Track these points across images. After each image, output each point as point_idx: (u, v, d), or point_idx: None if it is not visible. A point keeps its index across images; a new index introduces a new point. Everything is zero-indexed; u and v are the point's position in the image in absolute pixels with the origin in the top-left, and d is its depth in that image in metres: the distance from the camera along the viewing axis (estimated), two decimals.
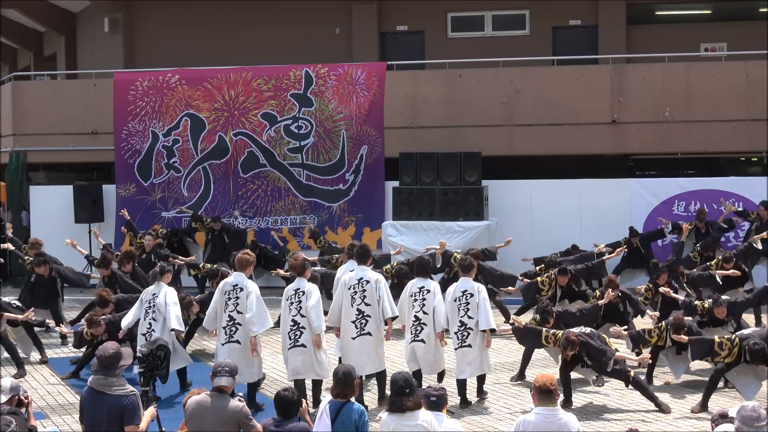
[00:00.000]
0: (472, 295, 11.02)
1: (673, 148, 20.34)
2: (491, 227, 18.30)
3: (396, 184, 19.01)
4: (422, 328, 11.04)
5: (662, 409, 10.82)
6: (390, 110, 19.81)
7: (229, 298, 10.84)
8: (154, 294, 11.74)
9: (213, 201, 20.05)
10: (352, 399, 7.19)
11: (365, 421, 7.10)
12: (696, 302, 12.47)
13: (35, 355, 13.80)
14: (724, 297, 12.48)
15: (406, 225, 18.41)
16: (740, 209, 17.92)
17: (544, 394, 6.83)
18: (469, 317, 10.99)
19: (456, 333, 11.08)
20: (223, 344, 10.85)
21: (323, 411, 7.11)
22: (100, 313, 12.54)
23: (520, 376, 12.30)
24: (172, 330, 11.50)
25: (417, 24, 24.59)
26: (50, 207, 20.42)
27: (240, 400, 7.39)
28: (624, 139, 20.28)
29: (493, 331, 11.17)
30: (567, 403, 10.73)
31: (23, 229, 21.36)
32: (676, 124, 19.91)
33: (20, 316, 13.03)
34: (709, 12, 24.29)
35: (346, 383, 7.13)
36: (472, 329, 10.99)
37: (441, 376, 11.34)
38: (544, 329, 11.40)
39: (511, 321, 12.88)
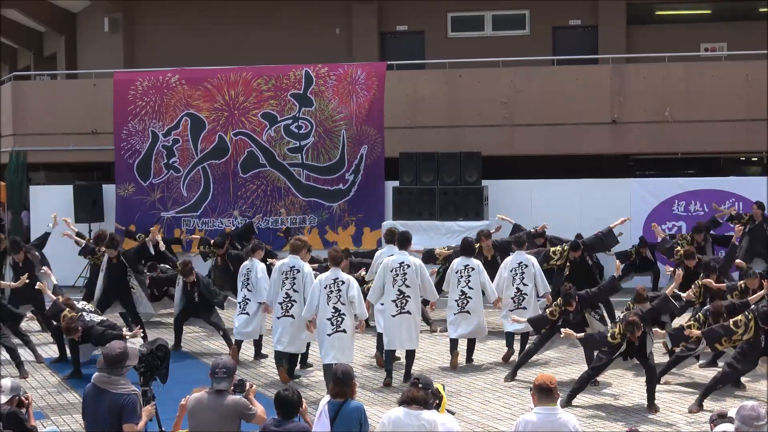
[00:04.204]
0: (527, 266, 13.03)
1: (673, 148, 20.37)
2: (491, 227, 18.26)
3: (396, 183, 19.01)
4: (468, 301, 12.70)
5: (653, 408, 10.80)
6: (390, 110, 19.80)
7: (286, 278, 11.94)
8: (249, 269, 13.17)
9: (213, 201, 20.03)
10: (350, 398, 7.21)
11: (365, 418, 7.14)
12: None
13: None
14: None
15: (406, 225, 18.26)
16: (734, 213, 17.48)
17: (543, 393, 6.84)
18: (524, 284, 13.03)
19: (512, 298, 13.06)
20: (278, 318, 11.99)
21: (322, 411, 7.15)
22: (76, 318, 12.28)
23: (513, 375, 12.22)
24: (262, 303, 12.86)
25: (417, 24, 24.61)
26: (50, 207, 20.22)
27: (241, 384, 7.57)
28: (624, 139, 20.30)
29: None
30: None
31: (24, 229, 21.37)
32: (676, 124, 19.92)
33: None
34: (709, 12, 24.31)
35: (345, 382, 7.16)
36: (527, 294, 13.02)
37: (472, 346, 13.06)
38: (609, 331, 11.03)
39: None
